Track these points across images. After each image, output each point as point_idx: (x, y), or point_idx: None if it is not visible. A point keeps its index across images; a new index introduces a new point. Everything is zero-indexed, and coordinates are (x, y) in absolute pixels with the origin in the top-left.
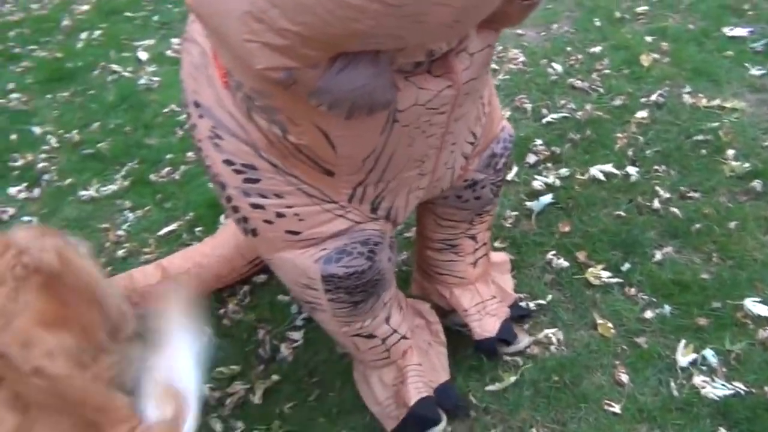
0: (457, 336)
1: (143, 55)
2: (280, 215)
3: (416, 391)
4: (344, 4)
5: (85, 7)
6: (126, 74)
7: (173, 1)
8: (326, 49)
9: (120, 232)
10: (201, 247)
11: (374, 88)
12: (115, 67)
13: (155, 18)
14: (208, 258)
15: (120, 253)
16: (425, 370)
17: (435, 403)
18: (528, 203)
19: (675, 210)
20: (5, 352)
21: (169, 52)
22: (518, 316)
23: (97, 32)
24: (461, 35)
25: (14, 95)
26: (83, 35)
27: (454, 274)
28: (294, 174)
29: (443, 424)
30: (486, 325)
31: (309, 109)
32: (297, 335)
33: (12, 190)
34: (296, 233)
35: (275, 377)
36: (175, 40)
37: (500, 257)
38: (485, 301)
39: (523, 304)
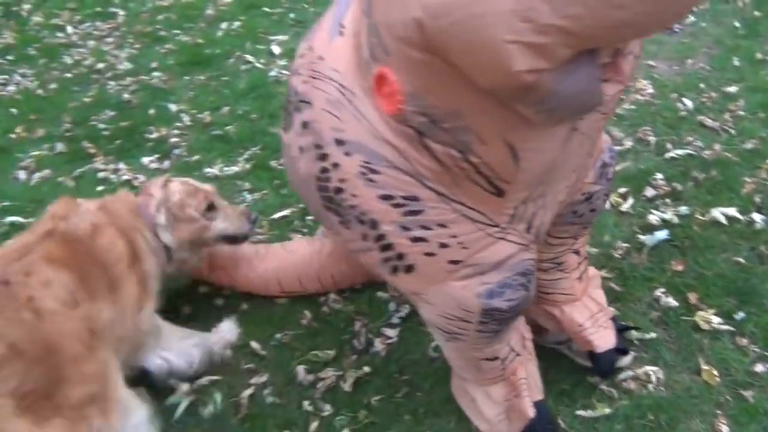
0: (551, 355)
1: (276, 49)
2: (443, 245)
3: (530, 403)
4: None
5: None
6: (258, 65)
7: (309, 1)
8: (580, 46)
9: None
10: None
11: (593, 90)
12: (249, 57)
13: (291, 15)
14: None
15: None
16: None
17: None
18: (641, 236)
19: None
20: (9, 279)
21: None
22: (621, 329)
23: (237, 24)
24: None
25: (156, 74)
26: (223, 25)
27: (562, 292)
28: (460, 200)
29: None
30: (604, 337)
31: (501, 123)
32: (392, 332)
33: (145, 160)
34: (458, 262)
35: (366, 369)
36: None
37: (591, 271)
38: (595, 314)
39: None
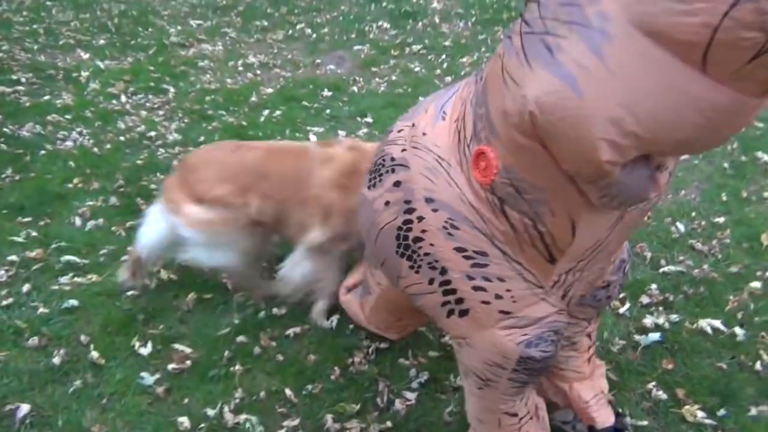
0: None
1: (313, 138)
2: (498, 297)
3: None
4: (685, 121)
5: (270, 90)
6: None
7: (343, 100)
8: (646, 150)
9: None
10: None
11: (645, 187)
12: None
13: (327, 111)
14: None
15: None
16: None
17: None
18: (636, 336)
19: None
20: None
21: None
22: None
23: (277, 112)
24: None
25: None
26: (265, 112)
27: (573, 369)
28: (519, 261)
29: None
30: (605, 414)
31: (570, 201)
32: (411, 396)
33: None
34: (507, 313)
35: (389, 423)
36: (341, 132)
37: (598, 362)
38: (598, 394)
39: None
